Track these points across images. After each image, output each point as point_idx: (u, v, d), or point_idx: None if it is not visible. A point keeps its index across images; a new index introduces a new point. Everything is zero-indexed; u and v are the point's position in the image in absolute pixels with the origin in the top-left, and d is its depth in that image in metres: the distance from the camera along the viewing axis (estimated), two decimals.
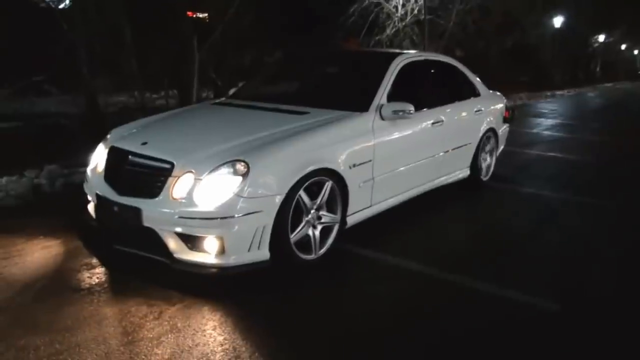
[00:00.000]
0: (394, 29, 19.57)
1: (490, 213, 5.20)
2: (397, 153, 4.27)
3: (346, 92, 4.48)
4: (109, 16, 13.93)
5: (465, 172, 5.50)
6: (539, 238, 4.46)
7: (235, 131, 3.72)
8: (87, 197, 3.88)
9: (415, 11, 19.36)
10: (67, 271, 3.53)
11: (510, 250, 4.16)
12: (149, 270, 3.43)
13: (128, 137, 3.89)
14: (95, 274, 3.47)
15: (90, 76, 13.97)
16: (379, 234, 4.24)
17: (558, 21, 26.29)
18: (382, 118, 4.10)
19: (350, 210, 3.87)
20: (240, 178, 3.20)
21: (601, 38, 35.41)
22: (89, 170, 3.96)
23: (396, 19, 19.45)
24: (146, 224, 3.28)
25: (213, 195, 3.19)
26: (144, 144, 3.63)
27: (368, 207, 4.09)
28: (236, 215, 3.15)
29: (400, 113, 4.10)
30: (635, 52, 55.82)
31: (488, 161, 5.93)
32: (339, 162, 3.67)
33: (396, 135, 4.23)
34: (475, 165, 5.59)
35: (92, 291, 3.23)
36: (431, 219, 4.75)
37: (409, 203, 4.63)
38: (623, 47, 44.66)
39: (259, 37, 17.06)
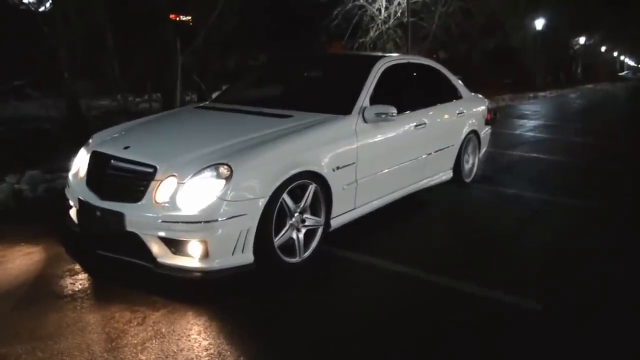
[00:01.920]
0: (377, 32, 19.71)
1: (474, 214, 5.23)
2: (380, 155, 4.30)
3: (329, 95, 4.50)
4: (91, 19, 13.84)
5: (448, 174, 5.54)
6: (521, 239, 4.50)
7: (218, 135, 3.72)
8: (69, 202, 3.84)
9: (399, 14, 19.51)
10: (49, 277, 3.49)
11: (494, 251, 4.19)
12: (132, 276, 3.41)
13: (110, 142, 3.87)
14: (78, 280, 3.44)
15: (72, 80, 13.86)
16: (363, 237, 4.26)
17: (540, 23, 26.61)
18: (365, 121, 4.12)
19: (334, 212, 3.88)
20: (223, 181, 3.20)
21: (582, 40, 35.89)
22: (70, 175, 3.94)
23: (379, 21, 19.59)
24: (129, 228, 3.26)
25: (196, 199, 3.18)
26: (126, 148, 3.62)
27: (352, 210, 4.10)
28: (220, 219, 3.15)
29: (383, 116, 4.12)
30: (615, 54, 56.65)
31: (471, 163, 6.00)
32: (322, 164, 3.69)
33: (379, 137, 4.26)
34: (458, 167, 5.65)
35: (75, 297, 3.20)
36: (415, 221, 4.78)
37: (392, 205, 4.66)
38: (603, 49, 45.32)
39: (243, 40, 17.04)
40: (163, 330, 2.85)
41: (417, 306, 3.26)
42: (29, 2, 12.86)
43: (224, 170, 3.23)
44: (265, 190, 3.30)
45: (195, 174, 3.23)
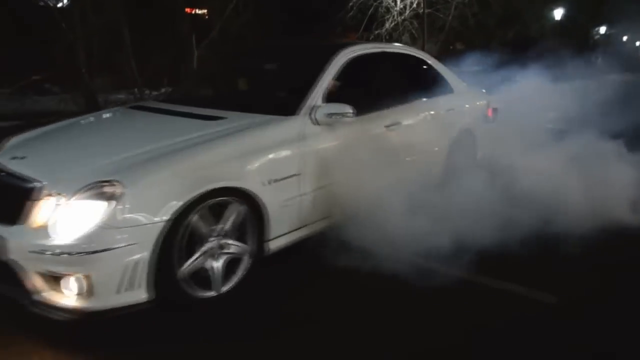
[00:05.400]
0: (393, 23, 18.61)
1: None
2: (336, 163, 3.34)
3: (275, 92, 3.62)
4: (108, 15, 13.31)
5: (432, 180, 4.50)
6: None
7: (125, 142, 2.89)
8: None
9: (414, 5, 18.39)
10: None
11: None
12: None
13: (8, 150, 3.09)
14: None
15: (90, 74, 13.35)
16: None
17: (558, 13, 24.95)
18: (316, 122, 3.24)
19: (272, 233, 3.01)
20: (109, 203, 2.39)
21: (602, 30, 33.86)
22: None
23: (395, 13, 18.49)
24: (9, 255, 2.49)
25: (76, 225, 2.38)
26: (19, 158, 2.84)
27: (298, 229, 3.21)
28: (103, 249, 2.35)
29: (336, 116, 3.23)
30: (638, 43, 53.76)
31: (462, 166, 4.69)
32: (249, 178, 2.82)
33: (334, 142, 3.34)
34: (445, 172, 4.51)
35: None
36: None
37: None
38: (625, 38, 42.85)
39: (257, 33, 16.28)
40: None
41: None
42: None
43: (111, 188, 2.42)
44: (165, 212, 2.47)
45: (77, 193, 2.43)
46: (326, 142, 3.30)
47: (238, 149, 2.84)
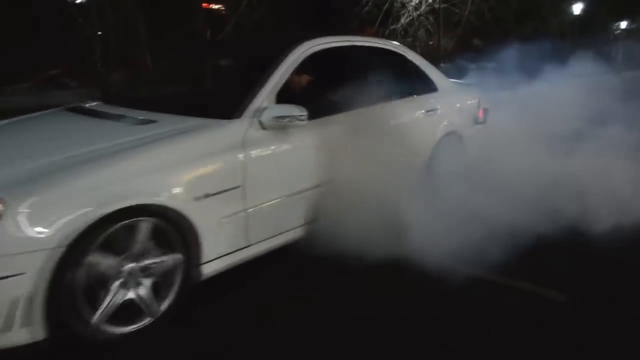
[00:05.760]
0: (408, 18, 17.97)
1: None
2: (287, 173, 2.90)
3: (218, 92, 3.15)
4: (124, 10, 13.12)
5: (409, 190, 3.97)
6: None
7: (34, 151, 2.43)
8: None
9: (430, 0, 17.74)
10: None
11: None
12: None
13: None
14: None
15: (106, 69, 13.16)
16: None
17: (578, 8, 23.70)
18: (263, 127, 2.78)
19: (207, 255, 2.55)
20: None
21: (623, 25, 32.24)
22: None
23: (411, 8, 17.83)
24: None
25: None
26: None
27: (242, 249, 2.73)
28: None
29: (286, 120, 2.74)
30: None
31: (447, 175, 4.01)
32: (174, 193, 2.37)
33: (285, 149, 2.86)
34: (425, 181, 3.82)
35: None
36: None
37: None
38: None
39: (272, 28, 15.87)
40: None
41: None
42: None
43: None
44: (63, 236, 2.05)
45: None
46: (275, 149, 2.82)
47: (162, 158, 2.39)
